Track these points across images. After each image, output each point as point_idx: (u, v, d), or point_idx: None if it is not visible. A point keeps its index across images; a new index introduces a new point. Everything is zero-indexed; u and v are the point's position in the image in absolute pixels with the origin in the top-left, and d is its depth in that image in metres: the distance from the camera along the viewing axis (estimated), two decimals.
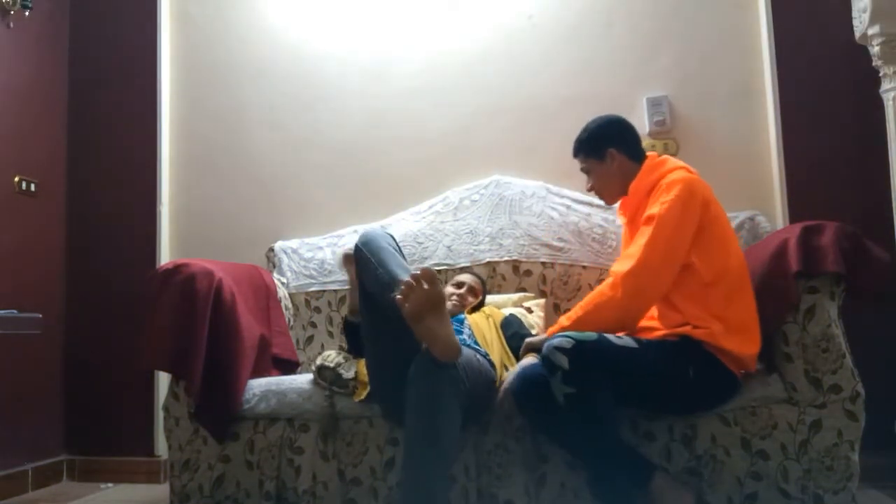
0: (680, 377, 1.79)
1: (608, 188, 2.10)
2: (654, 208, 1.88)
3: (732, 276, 1.86)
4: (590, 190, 2.15)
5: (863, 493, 2.07)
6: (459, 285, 2.40)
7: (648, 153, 2.09)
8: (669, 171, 1.97)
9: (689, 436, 1.90)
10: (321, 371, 2.10)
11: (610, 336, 1.79)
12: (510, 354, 2.15)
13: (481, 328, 2.20)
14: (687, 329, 1.82)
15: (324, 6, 3.06)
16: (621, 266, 1.86)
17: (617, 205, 2.16)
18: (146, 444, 2.94)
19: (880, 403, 2.01)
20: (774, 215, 2.59)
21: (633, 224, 2.06)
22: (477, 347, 2.07)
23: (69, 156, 3.16)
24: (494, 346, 2.12)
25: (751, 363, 1.86)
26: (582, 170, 2.14)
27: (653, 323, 1.93)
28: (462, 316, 2.25)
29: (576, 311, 1.90)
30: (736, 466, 1.87)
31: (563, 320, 1.91)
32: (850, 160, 2.58)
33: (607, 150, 2.05)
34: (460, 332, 2.16)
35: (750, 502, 1.87)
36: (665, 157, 2.07)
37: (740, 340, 1.81)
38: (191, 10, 3.18)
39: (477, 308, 2.38)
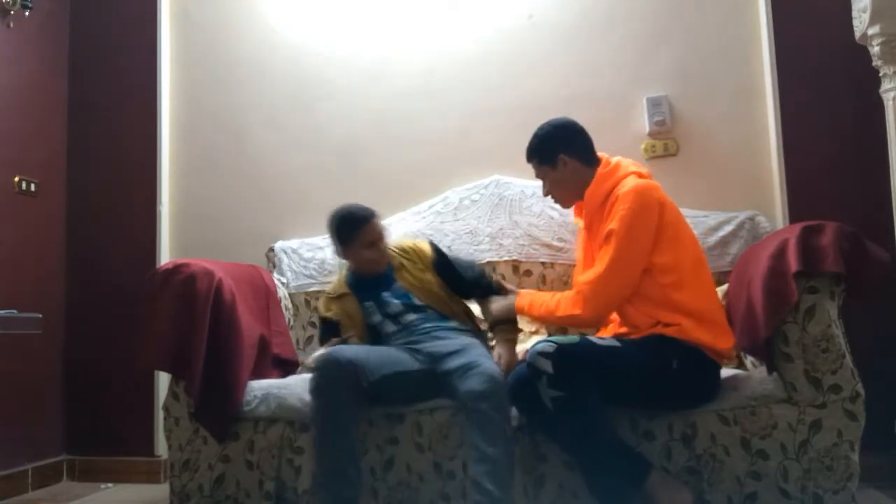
0: (664, 371, 1.83)
1: (563, 193, 2.13)
2: (612, 223, 1.91)
3: (688, 271, 1.91)
4: (546, 195, 2.17)
5: (863, 493, 2.07)
6: (371, 244, 2.22)
7: (601, 156, 2.09)
8: (622, 179, 1.99)
9: (689, 435, 1.90)
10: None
11: (592, 337, 1.85)
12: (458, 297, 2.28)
13: (416, 282, 2.24)
14: (658, 329, 1.86)
15: (324, 6, 3.06)
16: (586, 287, 1.92)
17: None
18: (146, 444, 2.94)
19: (880, 403, 2.01)
20: (774, 215, 2.59)
21: (589, 231, 2.10)
22: (418, 337, 2.14)
23: (69, 156, 3.17)
24: (438, 298, 2.23)
25: (729, 355, 1.92)
26: (537, 176, 2.16)
27: (624, 329, 1.98)
28: (397, 285, 2.24)
29: (541, 310, 2.01)
30: (736, 466, 1.87)
31: (535, 311, 2.04)
32: (850, 160, 2.58)
33: (558, 155, 2.07)
34: (405, 298, 2.23)
35: (750, 502, 1.87)
36: (616, 161, 2.07)
37: (713, 334, 1.86)
38: (191, 10, 3.18)
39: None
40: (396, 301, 2.23)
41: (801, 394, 1.85)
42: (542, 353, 1.76)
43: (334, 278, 2.46)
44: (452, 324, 2.21)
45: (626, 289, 1.91)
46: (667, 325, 1.86)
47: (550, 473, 1.95)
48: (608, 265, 1.90)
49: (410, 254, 2.31)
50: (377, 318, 2.24)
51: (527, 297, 2.10)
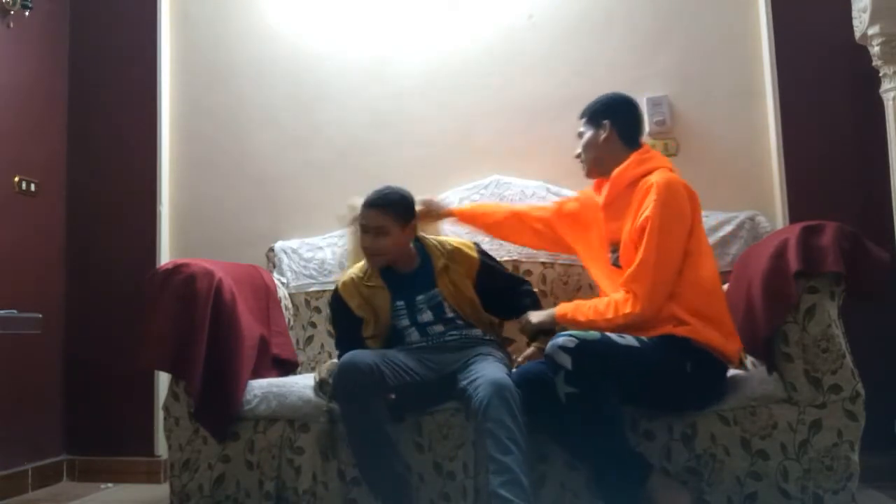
0: (679, 373, 1.82)
1: (588, 158, 2.13)
2: (648, 210, 1.90)
3: (706, 277, 1.90)
4: (577, 156, 2.16)
5: (863, 493, 2.07)
6: (364, 230, 2.13)
7: (645, 144, 2.10)
8: (654, 169, 1.99)
9: (689, 435, 1.90)
10: (322, 386, 2.08)
11: (612, 335, 1.81)
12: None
13: (454, 290, 2.18)
14: (668, 328, 1.85)
15: (323, 6, 3.06)
16: (635, 286, 1.88)
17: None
18: (146, 444, 2.94)
19: (880, 403, 2.01)
20: (774, 215, 2.59)
21: (608, 209, 2.08)
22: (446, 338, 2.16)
23: (69, 156, 3.16)
24: (470, 308, 2.20)
25: (734, 358, 1.91)
26: (578, 133, 2.16)
27: None
28: (435, 291, 2.17)
29: (589, 314, 1.94)
30: (736, 466, 1.87)
31: (580, 317, 1.95)
32: (850, 160, 2.58)
33: (603, 120, 2.08)
34: (439, 309, 2.18)
35: (750, 502, 1.87)
36: (654, 152, 2.09)
37: (723, 336, 1.86)
38: (191, 10, 3.18)
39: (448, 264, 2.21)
40: (429, 311, 2.18)
41: (801, 394, 1.85)
42: (562, 348, 1.73)
43: (351, 269, 2.29)
44: (477, 332, 2.20)
45: (674, 276, 1.88)
46: (679, 323, 1.85)
47: (551, 473, 1.95)
48: (656, 257, 1.86)
49: (456, 256, 2.22)
50: (405, 322, 2.19)
51: (569, 304, 2.05)
